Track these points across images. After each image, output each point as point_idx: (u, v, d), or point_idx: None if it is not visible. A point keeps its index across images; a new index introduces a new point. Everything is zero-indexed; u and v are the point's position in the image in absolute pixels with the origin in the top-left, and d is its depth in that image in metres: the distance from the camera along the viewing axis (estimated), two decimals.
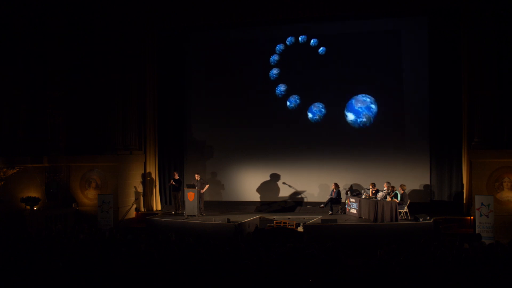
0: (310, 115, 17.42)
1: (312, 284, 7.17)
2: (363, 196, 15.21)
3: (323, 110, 17.28)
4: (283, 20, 16.93)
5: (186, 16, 17.18)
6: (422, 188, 16.34)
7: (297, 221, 15.20)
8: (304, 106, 17.48)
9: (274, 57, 17.75)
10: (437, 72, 16.15)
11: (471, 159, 14.91)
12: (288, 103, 17.56)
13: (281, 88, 17.59)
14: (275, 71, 17.71)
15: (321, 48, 17.26)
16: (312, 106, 17.31)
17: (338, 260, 8.17)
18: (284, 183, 17.55)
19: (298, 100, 17.43)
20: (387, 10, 16.09)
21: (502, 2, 14.63)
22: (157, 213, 16.93)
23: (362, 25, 17.11)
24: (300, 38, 17.56)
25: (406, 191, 14.86)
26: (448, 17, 15.89)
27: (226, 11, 16.79)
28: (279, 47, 17.72)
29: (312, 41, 17.40)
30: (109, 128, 16.99)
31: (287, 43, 17.65)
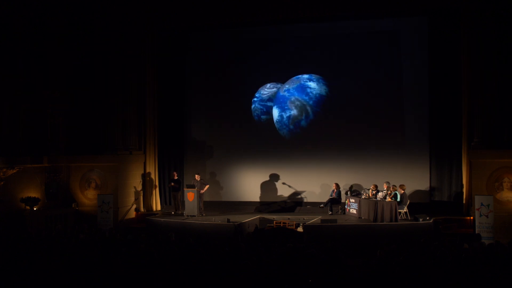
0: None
1: (312, 284, 7.17)
2: (363, 196, 15.20)
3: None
4: (283, 20, 16.92)
5: (186, 16, 17.18)
6: (422, 188, 16.33)
7: (297, 221, 15.19)
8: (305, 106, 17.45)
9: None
10: (437, 72, 16.14)
11: (471, 159, 14.91)
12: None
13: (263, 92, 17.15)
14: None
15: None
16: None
17: (338, 260, 8.17)
18: (283, 183, 17.54)
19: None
20: (387, 10, 16.08)
21: (502, 2, 14.63)
22: (157, 213, 16.93)
23: (362, 25, 17.11)
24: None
25: (406, 191, 14.86)
26: (448, 17, 15.89)
27: (226, 11, 16.79)
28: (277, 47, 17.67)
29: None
30: (109, 128, 17.00)
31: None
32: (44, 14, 16.51)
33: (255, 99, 16.70)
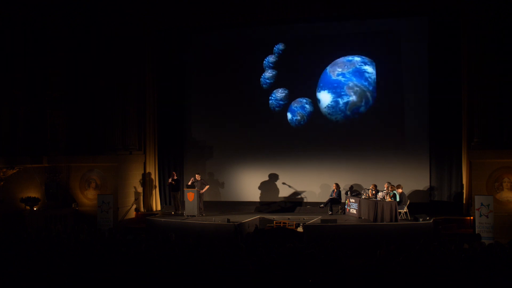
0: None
1: (312, 284, 7.17)
2: (363, 196, 15.20)
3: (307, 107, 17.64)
4: (283, 20, 16.95)
5: (186, 16, 17.18)
6: (422, 188, 16.34)
7: (297, 221, 15.21)
8: (304, 108, 17.51)
9: (269, 59, 17.79)
10: (437, 72, 16.14)
11: (471, 159, 14.92)
12: (290, 115, 17.61)
13: (277, 94, 17.69)
14: (268, 74, 17.73)
15: None
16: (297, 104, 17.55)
17: (338, 260, 8.18)
18: (283, 183, 17.54)
19: (307, 106, 17.44)
20: (387, 10, 16.09)
21: (502, 2, 14.63)
22: (157, 213, 16.93)
23: (362, 25, 17.11)
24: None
25: (405, 191, 14.84)
26: (448, 17, 15.88)
27: (227, 10, 16.80)
28: (277, 47, 17.76)
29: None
30: (109, 128, 17.00)
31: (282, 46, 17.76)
32: (44, 14, 16.51)
33: (272, 97, 17.72)
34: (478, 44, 14.84)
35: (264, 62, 17.81)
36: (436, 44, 16.11)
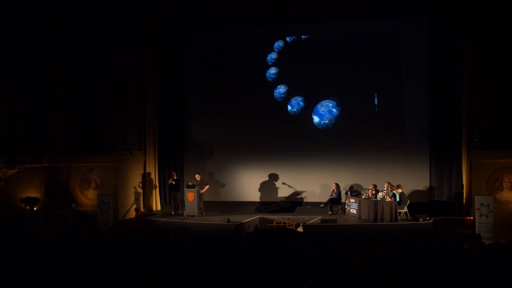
0: (315, 117, 17.61)
1: (312, 284, 7.17)
2: (363, 196, 15.20)
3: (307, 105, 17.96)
4: (284, 20, 16.96)
5: (186, 17, 17.18)
6: (422, 188, 16.34)
7: (297, 221, 15.21)
8: (304, 108, 17.51)
9: (272, 55, 17.85)
10: (437, 72, 16.14)
11: (471, 159, 14.92)
12: (289, 107, 17.69)
13: (281, 90, 17.78)
14: (273, 70, 17.83)
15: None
16: (293, 101, 17.87)
17: (338, 260, 8.18)
18: (283, 183, 17.55)
19: (301, 103, 17.63)
20: (387, 10, 16.10)
21: (502, 2, 14.63)
22: (157, 213, 16.93)
23: (362, 25, 17.12)
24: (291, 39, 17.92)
25: (405, 191, 14.83)
26: (448, 17, 15.89)
27: (226, 11, 16.80)
28: (278, 44, 17.81)
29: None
30: (109, 128, 17.01)
31: (287, 40, 17.87)
32: (44, 14, 16.51)
33: (276, 90, 17.90)
34: (478, 44, 14.84)
35: (267, 57, 17.90)
36: (436, 44, 16.11)
